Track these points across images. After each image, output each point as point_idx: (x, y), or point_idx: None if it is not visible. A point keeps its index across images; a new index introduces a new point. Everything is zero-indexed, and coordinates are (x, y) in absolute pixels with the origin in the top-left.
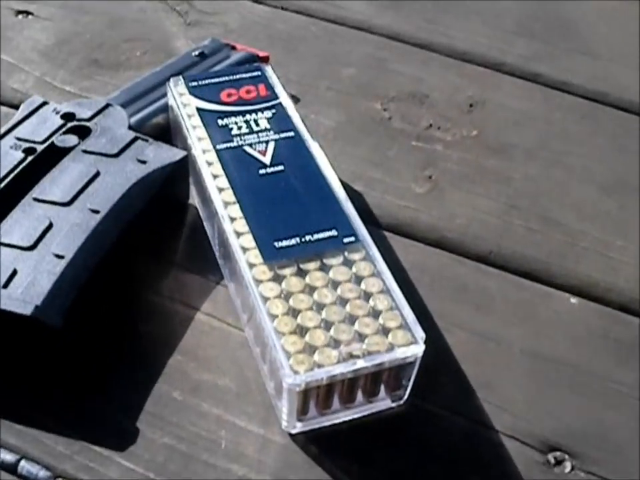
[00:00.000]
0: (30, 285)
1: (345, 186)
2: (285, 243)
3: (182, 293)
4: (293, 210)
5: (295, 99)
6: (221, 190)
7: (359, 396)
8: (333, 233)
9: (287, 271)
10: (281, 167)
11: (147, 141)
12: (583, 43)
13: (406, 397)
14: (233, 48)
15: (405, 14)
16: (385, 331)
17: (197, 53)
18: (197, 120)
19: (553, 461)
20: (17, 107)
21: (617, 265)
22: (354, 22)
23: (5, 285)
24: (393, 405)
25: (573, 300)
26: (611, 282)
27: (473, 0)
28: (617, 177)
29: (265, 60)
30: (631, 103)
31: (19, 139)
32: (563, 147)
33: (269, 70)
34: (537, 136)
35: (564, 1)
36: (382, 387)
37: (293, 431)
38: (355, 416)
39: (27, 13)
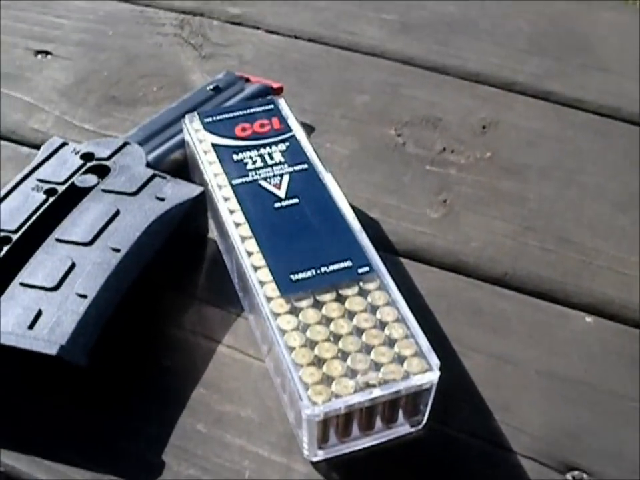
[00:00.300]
0: (55, 325)
1: (361, 214)
2: (301, 276)
3: (204, 326)
4: (308, 242)
5: (310, 128)
6: (237, 225)
7: (378, 422)
8: (348, 263)
9: (303, 303)
10: (295, 200)
11: (164, 178)
12: (595, 58)
13: (424, 421)
14: (247, 80)
15: (416, 37)
16: (401, 359)
17: (211, 87)
18: (212, 156)
19: None
20: (38, 147)
21: (632, 282)
22: (366, 48)
23: (31, 326)
24: (412, 429)
25: (589, 319)
26: (626, 299)
27: (483, 20)
28: (631, 193)
29: (279, 91)
30: None
31: (40, 181)
32: (577, 165)
33: (281, 102)
34: (550, 155)
35: (575, 17)
36: (400, 413)
37: (315, 459)
38: (375, 442)
39: (46, 52)
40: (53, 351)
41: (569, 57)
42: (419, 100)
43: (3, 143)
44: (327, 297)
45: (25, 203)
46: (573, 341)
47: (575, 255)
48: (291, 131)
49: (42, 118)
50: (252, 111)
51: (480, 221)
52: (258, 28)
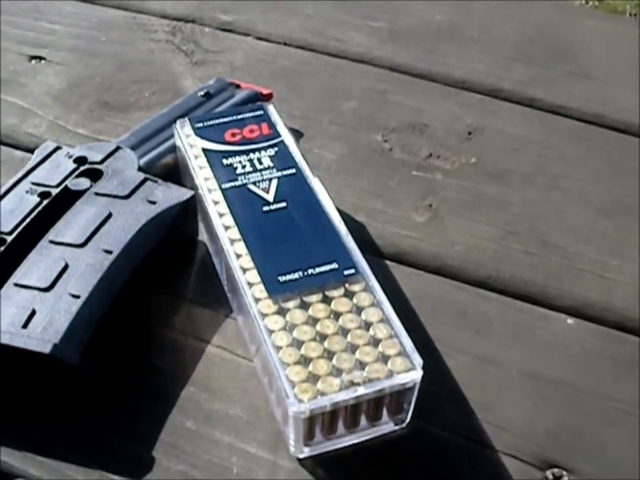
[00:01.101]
0: (48, 325)
1: (348, 217)
2: (288, 277)
3: (193, 327)
4: (295, 245)
5: (299, 134)
6: (226, 228)
7: (363, 420)
8: (334, 265)
9: (290, 304)
10: (283, 204)
11: (156, 181)
12: (579, 65)
13: (408, 419)
14: (238, 86)
15: (404, 45)
16: (385, 359)
17: (202, 93)
18: (203, 160)
19: (551, 477)
20: (32, 151)
21: (612, 285)
22: (355, 55)
23: (25, 325)
24: (396, 427)
25: (570, 321)
26: (607, 301)
27: (470, 27)
28: (613, 198)
29: (269, 97)
30: (627, 124)
31: (34, 184)
32: (560, 171)
33: (270, 108)
34: (534, 161)
35: (560, 25)
36: (384, 411)
37: (301, 456)
38: (360, 439)
39: (40, 58)
40: (46, 349)
41: (553, 64)
42: (406, 106)
43: None
44: (314, 298)
45: (20, 205)
46: (554, 342)
47: (557, 258)
48: (279, 136)
49: (36, 122)
50: (242, 116)
51: (464, 225)
52: (248, 35)
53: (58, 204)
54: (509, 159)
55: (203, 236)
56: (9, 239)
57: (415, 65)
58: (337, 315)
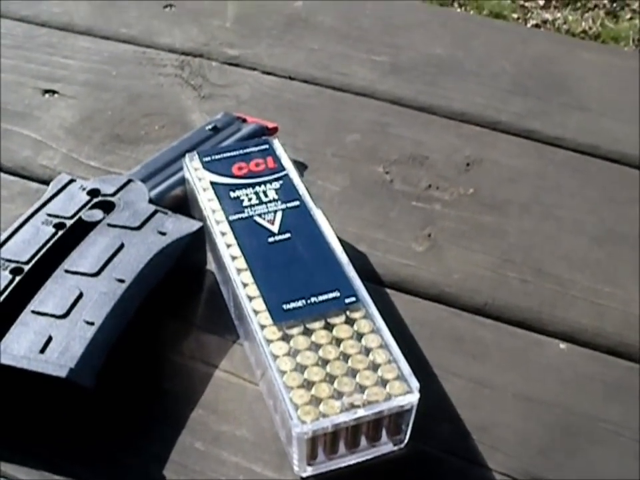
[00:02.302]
0: (64, 350)
1: (350, 247)
2: (292, 305)
3: (202, 352)
4: (299, 274)
5: (303, 166)
6: (233, 258)
7: (363, 441)
8: (336, 294)
9: (294, 331)
10: (287, 235)
11: (166, 213)
12: (575, 97)
13: (406, 440)
14: (244, 120)
15: (405, 78)
16: (383, 382)
17: (210, 127)
18: (211, 193)
19: None
20: (46, 183)
21: (604, 311)
22: (358, 88)
23: (42, 351)
24: (395, 448)
25: (562, 346)
26: (599, 327)
27: (469, 61)
28: (607, 227)
29: (274, 131)
30: (620, 154)
31: (49, 215)
32: (555, 201)
33: (275, 143)
34: (530, 191)
35: (556, 58)
36: (383, 432)
37: (304, 475)
38: (361, 459)
39: (53, 92)
40: (62, 373)
41: (550, 96)
42: (407, 139)
43: (14, 178)
44: (316, 325)
45: (36, 236)
46: (548, 366)
47: (551, 285)
48: (284, 170)
49: (50, 155)
50: (248, 150)
51: (462, 254)
52: (254, 69)
53: (72, 235)
54: (506, 190)
55: (211, 265)
56: (26, 268)
57: (415, 97)
58: (338, 341)
